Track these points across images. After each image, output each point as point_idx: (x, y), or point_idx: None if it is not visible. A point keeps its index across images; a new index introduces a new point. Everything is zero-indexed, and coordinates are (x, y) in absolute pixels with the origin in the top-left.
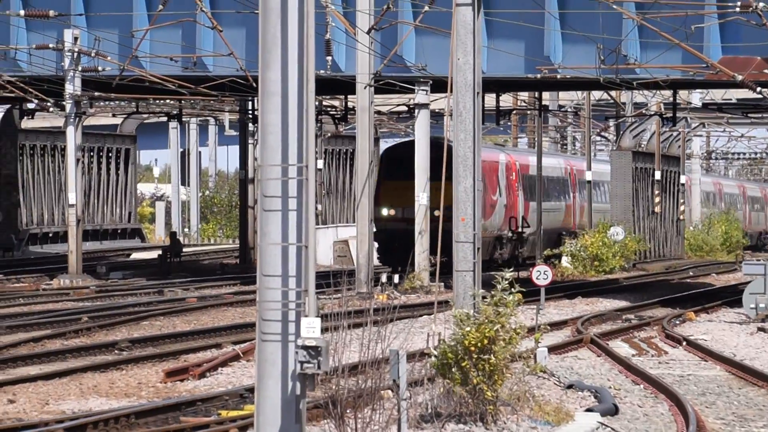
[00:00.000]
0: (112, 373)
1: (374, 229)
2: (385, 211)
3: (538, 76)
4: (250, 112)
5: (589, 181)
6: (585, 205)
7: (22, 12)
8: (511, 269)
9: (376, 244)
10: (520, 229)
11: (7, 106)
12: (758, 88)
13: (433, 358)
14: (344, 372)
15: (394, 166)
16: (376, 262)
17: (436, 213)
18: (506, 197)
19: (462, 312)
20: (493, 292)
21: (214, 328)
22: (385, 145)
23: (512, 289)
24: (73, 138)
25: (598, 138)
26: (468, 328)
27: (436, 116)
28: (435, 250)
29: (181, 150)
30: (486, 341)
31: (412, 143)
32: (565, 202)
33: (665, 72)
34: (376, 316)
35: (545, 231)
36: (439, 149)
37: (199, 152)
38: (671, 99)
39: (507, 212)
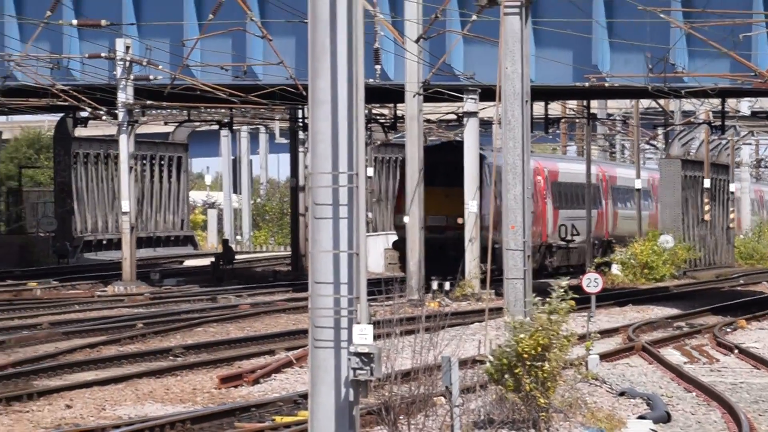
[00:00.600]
0: (167, 378)
1: (401, 237)
2: (406, 219)
3: (587, 84)
4: (301, 120)
5: (638, 189)
6: (618, 212)
7: (74, 21)
8: (568, 277)
9: (397, 253)
10: (569, 238)
11: (61, 114)
12: None
13: (487, 365)
14: (397, 378)
15: (437, 171)
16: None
17: (459, 220)
18: (534, 205)
19: (516, 319)
20: (547, 300)
21: (267, 335)
22: None
23: (567, 297)
24: (125, 146)
25: (647, 146)
26: (522, 336)
27: (485, 124)
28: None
29: (233, 158)
30: (539, 349)
31: (437, 148)
32: (596, 209)
33: (713, 80)
34: (427, 323)
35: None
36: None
37: (250, 160)
38: (720, 107)
39: (534, 221)
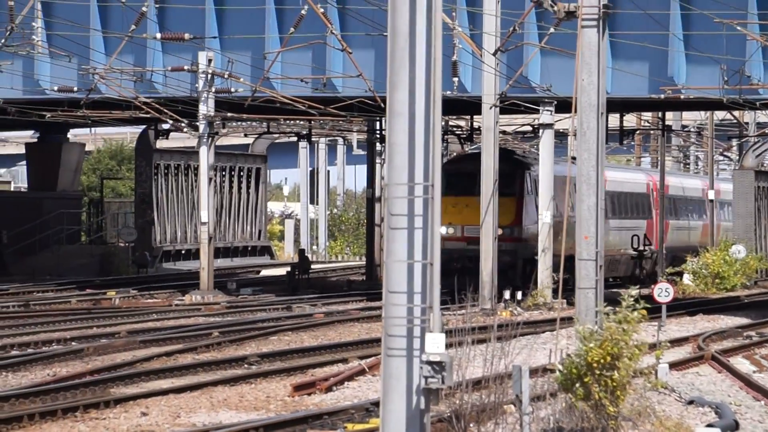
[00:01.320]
0: (242, 386)
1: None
2: (444, 230)
3: (662, 96)
4: (378, 132)
5: (711, 200)
6: (669, 222)
7: (158, 35)
8: (638, 286)
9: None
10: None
11: (143, 126)
12: None
13: (557, 373)
14: (468, 387)
15: (451, 181)
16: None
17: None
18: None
19: (585, 328)
20: (618, 309)
21: (340, 343)
22: None
23: (637, 307)
24: (205, 157)
25: (721, 158)
26: (591, 345)
27: (560, 136)
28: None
29: (310, 169)
30: (609, 358)
31: (467, 157)
32: (645, 219)
33: None
34: (499, 333)
35: (621, 253)
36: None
37: (328, 171)
38: None
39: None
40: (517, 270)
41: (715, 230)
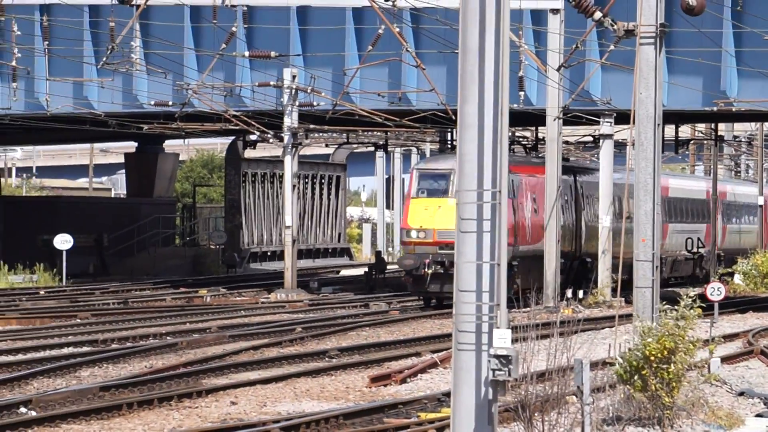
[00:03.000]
0: (323, 378)
1: (403, 255)
2: (414, 234)
3: (715, 109)
4: (449, 142)
5: (761, 205)
6: (727, 227)
7: (246, 53)
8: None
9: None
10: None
11: (232, 137)
12: None
13: (616, 366)
14: (532, 379)
15: (422, 182)
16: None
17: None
18: (562, 218)
19: (645, 325)
20: (676, 307)
21: (414, 338)
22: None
23: (694, 305)
24: (290, 166)
25: None
26: (649, 340)
27: (619, 146)
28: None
29: (386, 177)
30: (666, 352)
31: (439, 157)
32: (704, 223)
33: None
34: (561, 328)
35: (681, 254)
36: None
37: (403, 179)
38: None
39: (564, 234)
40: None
41: (764, 234)
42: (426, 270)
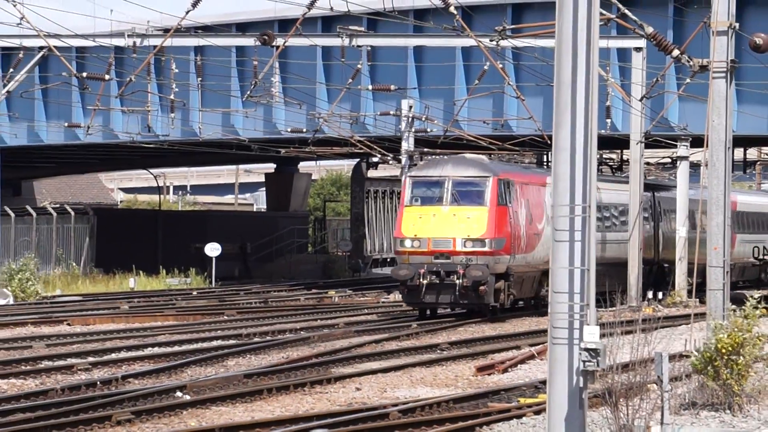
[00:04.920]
0: (435, 368)
1: (397, 266)
2: (408, 243)
3: None
4: (545, 163)
5: None
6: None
7: (370, 87)
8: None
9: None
10: (762, 257)
11: (357, 159)
12: None
13: (692, 358)
14: (618, 369)
15: (416, 190)
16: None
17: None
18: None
19: (716, 322)
20: (743, 307)
21: (514, 333)
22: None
23: (759, 306)
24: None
25: None
26: (721, 335)
27: (694, 166)
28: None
29: None
30: (735, 346)
31: (433, 163)
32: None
33: None
34: (643, 325)
35: (749, 261)
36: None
37: None
38: None
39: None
40: (489, 287)
41: None
42: (421, 280)
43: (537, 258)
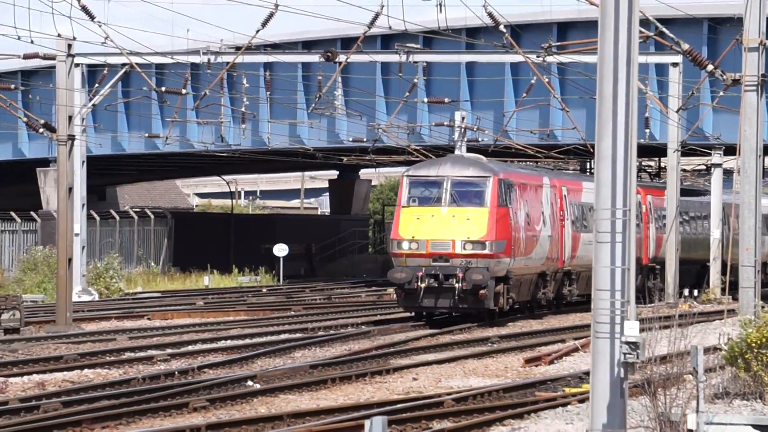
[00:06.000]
0: (486, 359)
1: (394, 269)
2: (406, 245)
3: None
4: (588, 171)
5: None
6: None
7: (425, 99)
8: None
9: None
10: None
11: None
12: None
13: (724, 351)
14: (656, 361)
15: (414, 190)
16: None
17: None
18: (551, 228)
19: (746, 317)
20: None
21: (560, 328)
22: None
23: None
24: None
25: None
26: (750, 330)
27: (727, 173)
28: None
29: None
30: (765, 339)
31: (432, 163)
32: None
33: None
34: (680, 321)
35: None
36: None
37: None
38: None
39: (552, 245)
40: (489, 290)
41: None
42: (419, 284)
43: (535, 260)
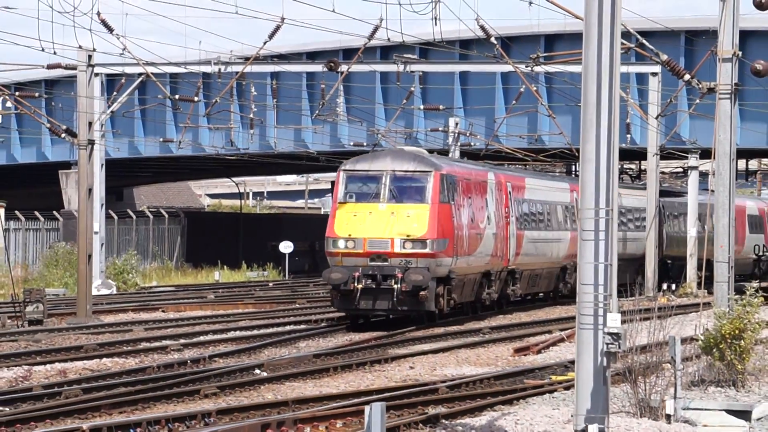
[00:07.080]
0: (478, 349)
1: (329, 269)
2: (342, 244)
3: None
4: (573, 173)
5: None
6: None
7: (421, 106)
8: (758, 281)
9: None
10: (760, 254)
11: None
12: None
13: (700, 342)
14: (636, 350)
15: (351, 186)
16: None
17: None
18: (496, 225)
19: (720, 310)
20: (743, 297)
21: (546, 320)
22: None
23: (757, 295)
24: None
25: None
26: (724, 322)
27: (703, 175)
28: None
29: None
30: (737, 331)
31: (370, 157)
32: (763, 234)
33: None
34: (659, 313)
35: (749, 257)
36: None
37: None
38: None
39: (497, 243)
40: (430, 292)
41: None
42: (355, 284)
43: (479, 259)
